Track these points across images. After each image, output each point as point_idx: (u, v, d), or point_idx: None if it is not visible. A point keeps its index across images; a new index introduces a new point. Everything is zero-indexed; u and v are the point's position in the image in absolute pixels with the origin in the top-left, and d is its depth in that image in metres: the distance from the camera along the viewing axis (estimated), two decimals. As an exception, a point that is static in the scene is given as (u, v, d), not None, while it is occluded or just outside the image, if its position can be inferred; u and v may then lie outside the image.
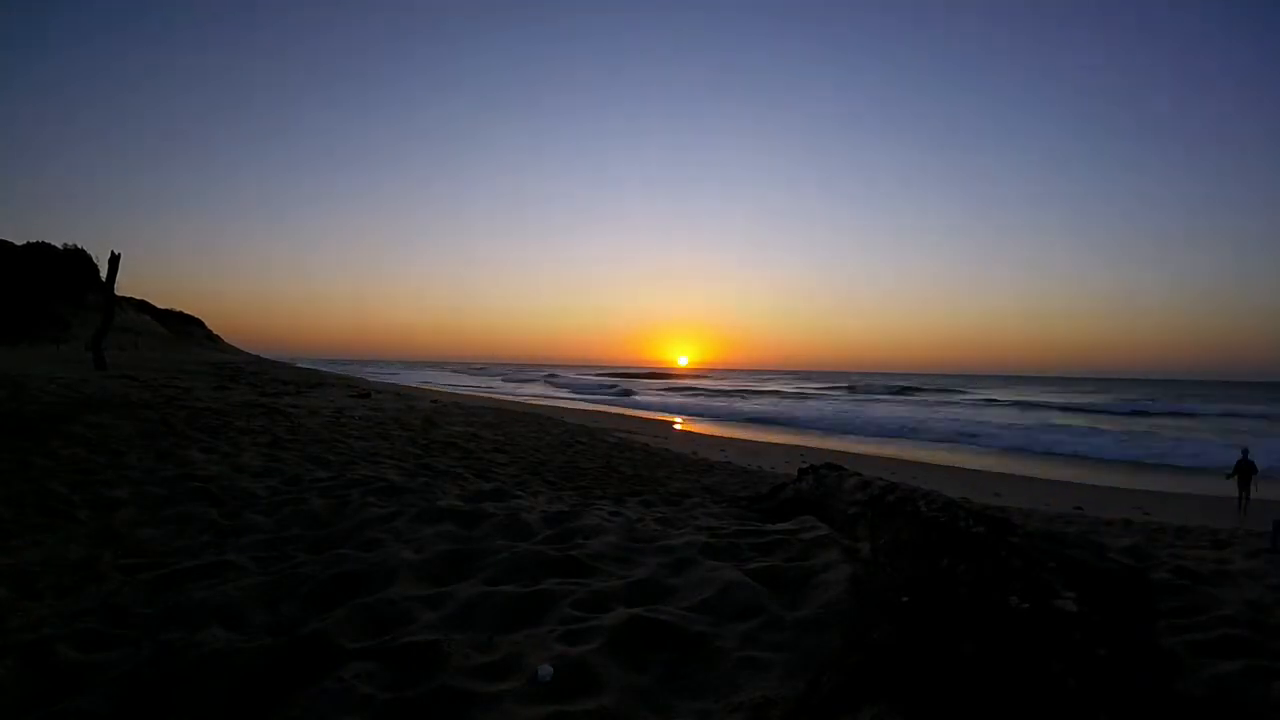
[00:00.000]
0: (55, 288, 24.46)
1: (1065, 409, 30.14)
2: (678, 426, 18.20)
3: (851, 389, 48.87)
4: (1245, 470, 8.67)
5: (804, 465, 4.56)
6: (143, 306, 35.24)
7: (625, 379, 55.42)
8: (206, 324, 41.98)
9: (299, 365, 31.05)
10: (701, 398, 33.09)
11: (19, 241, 26.57)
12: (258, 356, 34.18)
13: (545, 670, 1.56)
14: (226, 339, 42.01)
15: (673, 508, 4.23)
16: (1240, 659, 1.65)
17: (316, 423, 7.00)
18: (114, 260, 14.31)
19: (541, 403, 23.67)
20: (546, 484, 5.20)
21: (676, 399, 31.53)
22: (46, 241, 27.28)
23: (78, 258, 27.08)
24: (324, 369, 31.59)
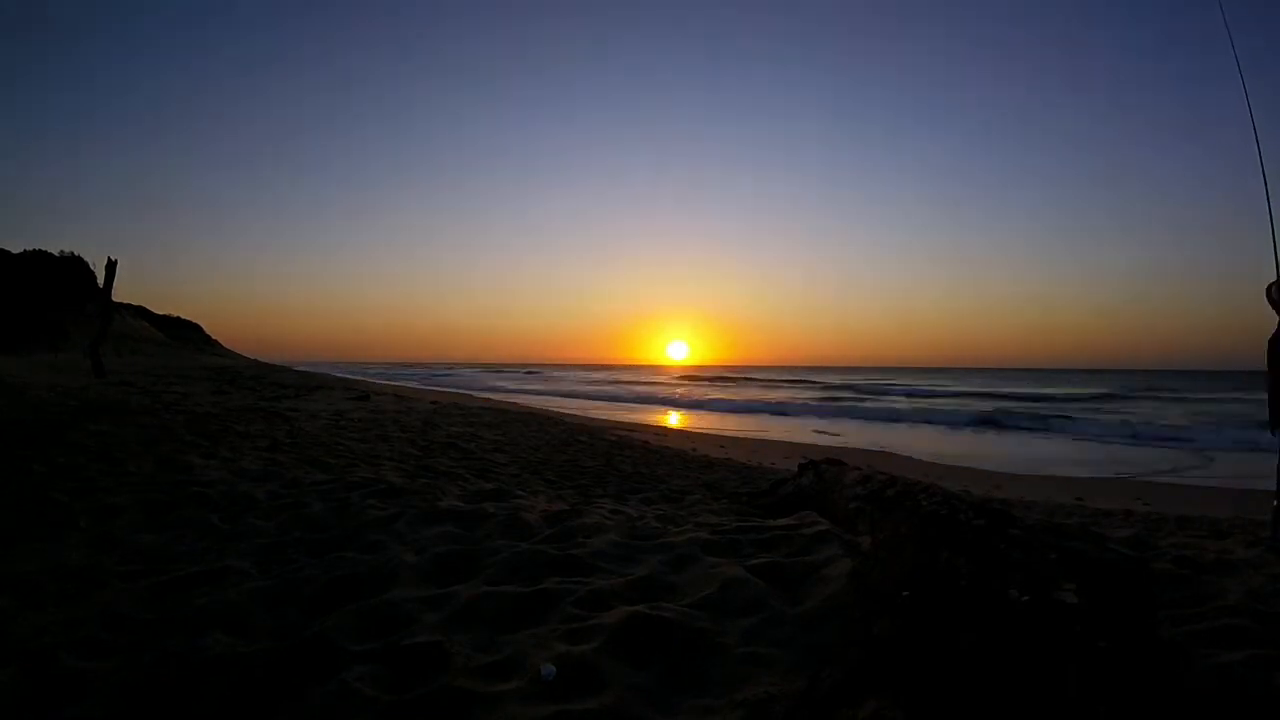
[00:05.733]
0: (53, 295, 24.46)
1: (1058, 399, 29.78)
2: (676, 422, 18.23)
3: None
4: None
5: (804, 461, 4.57)
6: (140, 312, 35.28)
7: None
8: (204, 328, 42.04)
9: (297, 369, 31.04)
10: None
11: (15, 249, 26.56)
12: (256, 360, 34.17)
13: (548, 669, 1.56)
14: (224, 343, 42.05)
15: (673, 505, 4.23)
16: (1242, 649, 1.65)
17: (316, 426, 7.00)
18: (111, 267, 14.33)
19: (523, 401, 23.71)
20: (547, 483, 5.20)
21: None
22: (43, 249, 27.29)
23: (75, 265, 27.08)
24: (314, 371, 31.55)
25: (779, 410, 23.21)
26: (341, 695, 1.46)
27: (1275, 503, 3.01)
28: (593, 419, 16.33)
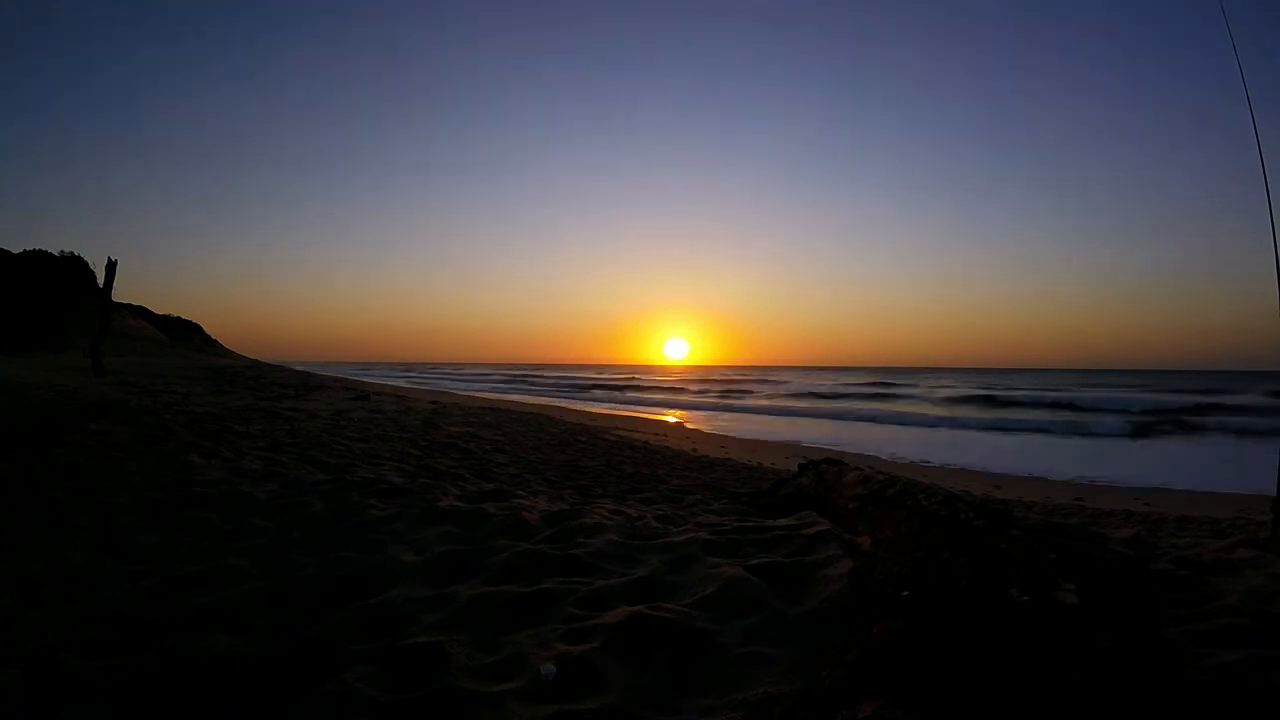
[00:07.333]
0: (53, 295, 24.48)
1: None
2: (674, 422, 18.23)
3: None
4: None
5: (804, 461, 4.56)
6: (140, 312, 35.28)
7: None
8: (204, 328, 42.02)
9: (295, 368, 31.02)
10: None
11: (16, 250, 26.61)
12: (256, 361, 34.12)
13: (549, 669, 1.56)
14: (224, 343, 42.01)
15: (673, 505, 4.23)
16: (1243, 649, 1.64)
17: (316, 426, 7.00)
18: (111, 267, 14.31)
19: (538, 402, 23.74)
20: (547, 483, 5.20)
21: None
22: (43, 249, 27.34)
23: (75, 265, 27.12)
24: (318, 372, 31.59)
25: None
26: (342, 695, 1.46)
27: (1275, 503, 3.00)
28: (593, 419, 16.34)
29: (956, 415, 21.65)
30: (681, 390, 36.64)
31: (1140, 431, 16.77)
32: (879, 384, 37.48)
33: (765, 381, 43.82)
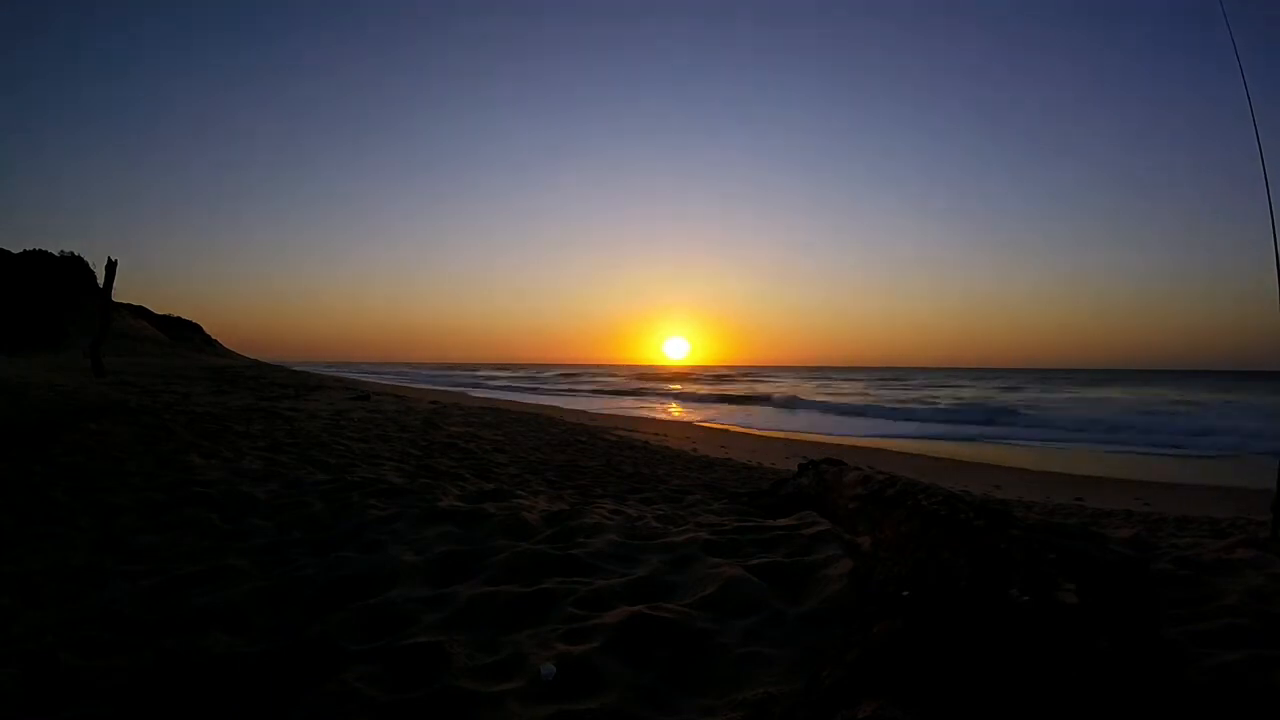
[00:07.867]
0: (53, 295, 24.49)
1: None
2: (674, 421, 18.23)
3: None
4: None
5: (804, 461, 4.56)
6: (140, 312, 35.30)
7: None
8: (204, 328, 42.03)
9: (294, 368, 30.99)
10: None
11: (16, 250, 26.64)
12: (256, 361, 34.11)
13: (548, 669, 1.56)
14: (224, 343, 42.03)
15: (674, 505, 4.23)
16: (1243, 649, 1.64)
17: (316, 426, 6.99)
18: (111, 267, 14.30)
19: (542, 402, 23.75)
20: (547, 483, 5.20)
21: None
22: (43, 249, 27.37)
23: (75, 265, 27.15)
24: (318, 372, 31.55)
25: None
26: (342, 695, 1.46)
27: (1275, 502, 3.00)
28: (593, 419, 16.33)
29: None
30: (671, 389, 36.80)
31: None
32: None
33: (765, 381, 43.97)
